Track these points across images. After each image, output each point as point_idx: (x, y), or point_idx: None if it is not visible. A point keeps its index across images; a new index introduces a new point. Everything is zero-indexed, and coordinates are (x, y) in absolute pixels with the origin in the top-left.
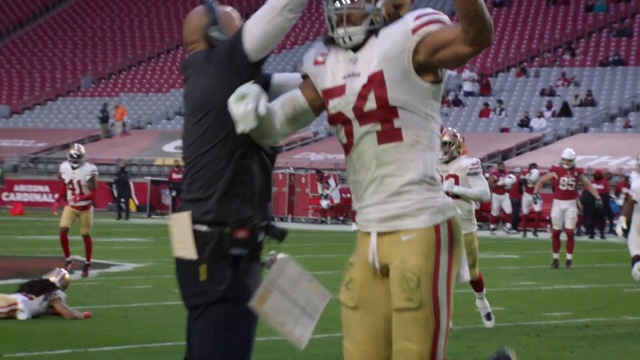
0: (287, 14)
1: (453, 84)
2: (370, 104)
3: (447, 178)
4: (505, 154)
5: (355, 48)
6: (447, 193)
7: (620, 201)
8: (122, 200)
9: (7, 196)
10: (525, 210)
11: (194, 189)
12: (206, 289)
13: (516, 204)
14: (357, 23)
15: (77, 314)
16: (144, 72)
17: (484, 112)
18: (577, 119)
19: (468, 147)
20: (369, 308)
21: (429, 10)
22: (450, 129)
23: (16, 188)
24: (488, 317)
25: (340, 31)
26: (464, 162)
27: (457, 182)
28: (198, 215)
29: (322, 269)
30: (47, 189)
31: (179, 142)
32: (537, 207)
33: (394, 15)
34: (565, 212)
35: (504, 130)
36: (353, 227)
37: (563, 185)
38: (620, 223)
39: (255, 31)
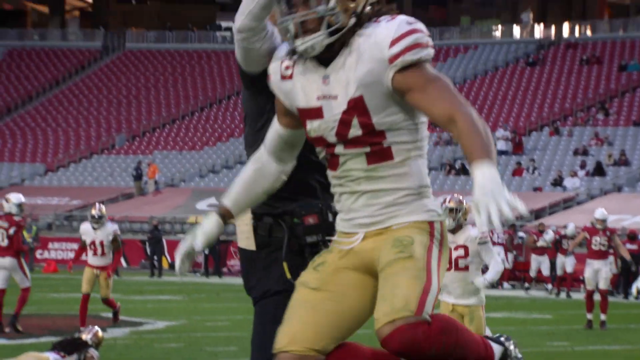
0: (237, 35)
1: None
2: (355, 130)
3: (455, 249)
4: (539, 213)
5: (325, 60)
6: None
7: None
8: (155, 257)
9: (41, 254)
10: (559, 271)
11: None
12: (262, 280)
13: (552, 263)
14: (314, 29)
15: None
16: (178, 130)
17: (517, 171)
18: (610, 178)
19: None
20: (333, 295)
21: (406, 27)
22: (455, 195)
23: (50, 246)
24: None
25: (298, 42)
26: (474, 232)
27: (466, 253)
28: (261, 208)
29: None
30: None
31: (212, 200)
32: (569, 268)
33: (368, 13)
34: (598, 272)
35: (537, 189)
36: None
37: (595, 245)
38: (637, 283)
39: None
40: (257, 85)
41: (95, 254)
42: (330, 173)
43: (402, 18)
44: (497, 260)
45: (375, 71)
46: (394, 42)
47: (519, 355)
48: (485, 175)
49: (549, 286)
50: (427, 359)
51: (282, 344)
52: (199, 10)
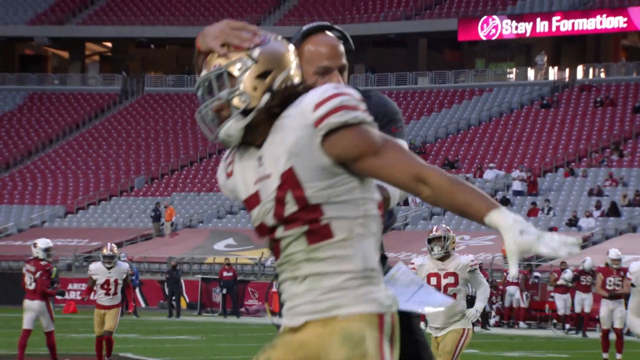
0: None
1: (501, 184)
2: (290, 207)
3: (445, 276)
4: None
5: (259, 141)
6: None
7: None
8: (174, 298)
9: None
10: (577, 308)
11: None
12: None
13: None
14: (227, 115)
15: None
16: (196, 172)
17: (532, 212)
18: (625, 218)
19: None
20: None
21: (332, 90)
22: (443, 225)
23: (70, 287)
24: None
25: (220, 132)
26: (464, 260)
27: (456, 281)
28: None
29: None
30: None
31: (229, 240)
32: (587, 308)
33: (289, 89)
34: (613, 311)
35: (552, 229)
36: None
37: (610, 285)
38: None
39: None
40: None
41: (107, 293)
42: (275, 263)
43: (330, 84)
44: (484, 289)
45: (303, 139)
46: (318, 106)
47: None
48: (515, 218)
49: (567, 326)
50: None
51: None
52: None
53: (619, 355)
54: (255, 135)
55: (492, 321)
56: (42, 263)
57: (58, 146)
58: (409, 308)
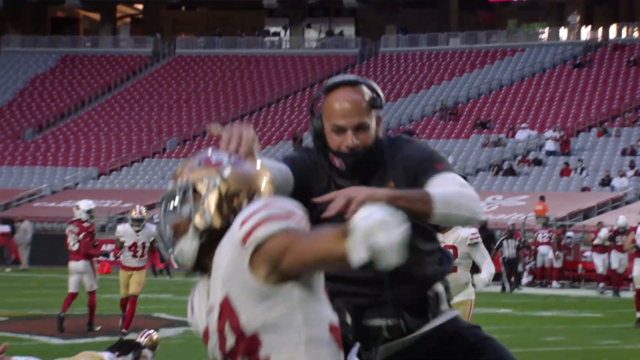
0: None
1: (534, 144)
2: (230, 339)
3: (444, 248)
4: (587, 213)
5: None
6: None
7: None
8: None
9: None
10: (614, 265)
11: None
12: None
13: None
14: (183, 232)
15: None
16: None
17: (565, 171)
18: None
19: (550, 206)
20: None
21: (259, 203)
22: None
23: (103, 247)
24: None
25: (174, 250)
26: (464, 233)
27: (455, 254)
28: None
29: None
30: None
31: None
32: (620, 267)
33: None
34: None
35: (585, 189)
36: None
37: None
38: None
39: None
40: None
41: (134, 255)
42: None
43: (261, 200)
44: (489, 261)
45: (234, 261)
46: (244, 222)
47: None
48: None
49: (601, 285)
50: None
51: None
52: (248, 16)
53: None
54: (210, 260)
55: (524, 281)
56: (85, 224)
57: (90, 108)
58: None
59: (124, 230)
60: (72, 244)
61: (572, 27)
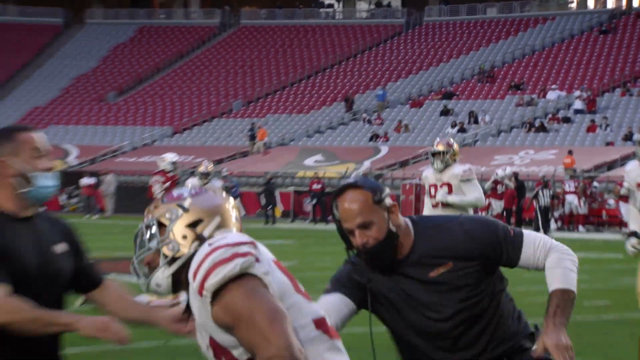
0: None
1: (563, 103)
2: None
3: (441, 186)
4: (611, 165)
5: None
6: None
7: None
8: (269, 207)
9: None
10: None
11: None
12: None
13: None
14: (156, 265)
15: None
16: (287, 95)
17: (591, 128)
18: None
19: (577, 159)
20: None
21: (206, 249)
22: (444, 139)
23: None
24: None
25: (150, 281)
26: (457, 170)
27: (450, 190)
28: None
29: None
30: None
31: (318, 157)
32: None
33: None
34: None
35: (609, 144)
36: None
37: None
38: None
39: None
40: None
41: None
42: None
43: (208, 242)
44: (476, 196)
45: (201, 309)
46: (195, 274)
47: None
48: None
49: (624, 229)
50: None
51: None
52: None
53: None
54: (184, 287)
55: (553, 226)
56: (170, 174)
57: (165, 74)
58: None
59: (193, 184)
60: (158, 192)
61: None
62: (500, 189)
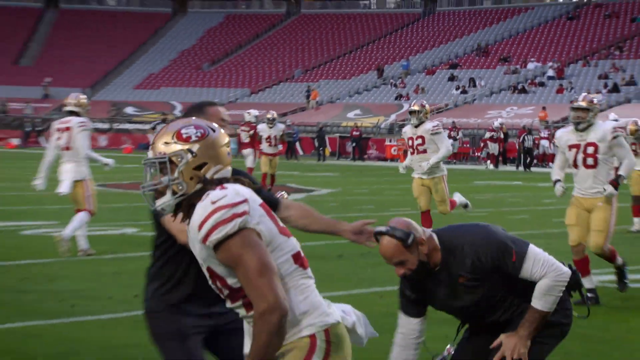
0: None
1: (539, 71)
2: (224, 290)
3: (417, 138)
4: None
5: (189, 216)
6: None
7: None
8: (321, 149)
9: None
10: None
11: None
12: None
13: None
14: (164, 192)
15: None
16: (334, 65)
17: (559, 90)
18: (623, 94)
19: (550, 114)
20: None
21: (209, 208)
22: (419, 100)
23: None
24: (466, 205)
25: (157, 203)
26: (428, 125)
27: (423, 141)
28: None
29: None
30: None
31: (357, 111)
32: None
33: (214, 180)
34: None
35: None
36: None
37: None
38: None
39: None
40: None
41: (270, 145)
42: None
43: (209, 197)
44: (446, 149)
45: (202, 249)
46: (200, 226)
47: None
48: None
49: None
50: None
51: None
52: None
53: None
54: (184, 210)
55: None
56: (253, 124)
57: (245, 49)
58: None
59: (262, 128)
60: (244, 138)
61: None
62: (495, 135)
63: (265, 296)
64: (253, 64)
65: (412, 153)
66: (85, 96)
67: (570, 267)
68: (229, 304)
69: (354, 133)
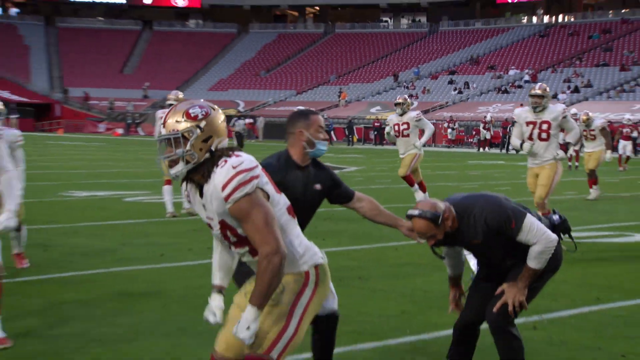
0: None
1: (518, 77)
2: (232, 238)
3: (402, 124)
4: None
5: (198, 180)
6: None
7: None
8: (350, 136)
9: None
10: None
11: None
12: None
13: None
14: (177, 162)
15: None
16: (360, 73)
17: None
18: (582, 94)
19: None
20: None
21: (232, 171)
22: (403, 95)
23: None
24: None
25: (172, 172)
26: (412, 114)
27: (408, 127)
28: None
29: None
30: None
31: (378, 107)
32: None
33: (220, 150)
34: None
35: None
36: None
37: None
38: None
39: None
40: None
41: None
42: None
43: (229, 163)
44: (429, 131)
45: (220, 206)
46: (224, 187)
47: None
48: (245, 316)
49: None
50: None
51: (220, 348)
52: (369, 12)
53: None
54: (193, 175)
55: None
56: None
57: (292, 60)
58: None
59: None
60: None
61: (539, 15)
62: (487, 126)
63: (270, 242)
64: (298, 71)
65: (397, 136)
66: (182, 93)
67: (560, 216)
68: (234, 249)
69: (375, 124)
